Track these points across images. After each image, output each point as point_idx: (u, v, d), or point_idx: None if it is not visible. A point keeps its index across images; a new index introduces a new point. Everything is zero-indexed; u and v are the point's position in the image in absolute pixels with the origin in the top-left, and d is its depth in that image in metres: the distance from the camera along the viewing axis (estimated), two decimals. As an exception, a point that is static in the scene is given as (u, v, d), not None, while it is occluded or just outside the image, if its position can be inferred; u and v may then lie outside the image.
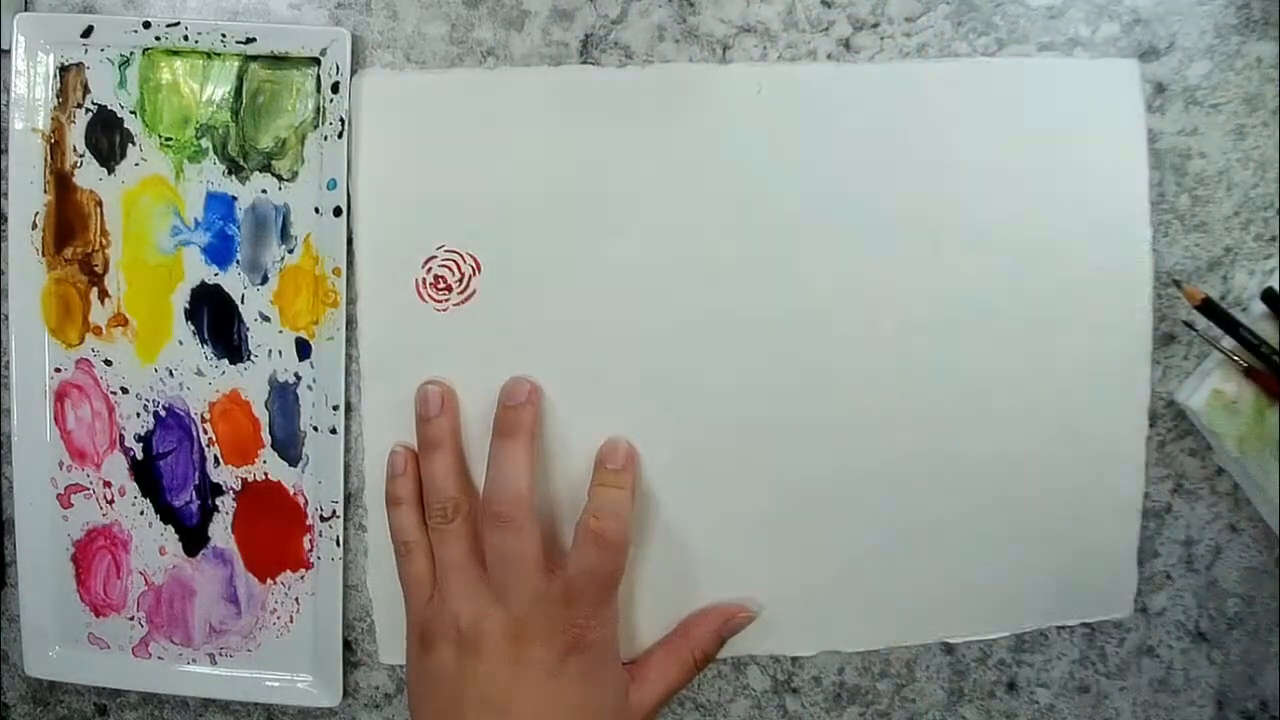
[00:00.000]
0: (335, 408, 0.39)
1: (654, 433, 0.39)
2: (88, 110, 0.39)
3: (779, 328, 0.39)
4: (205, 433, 0.40)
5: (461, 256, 0.39)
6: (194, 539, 0.41)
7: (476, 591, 0.36)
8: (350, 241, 0.39)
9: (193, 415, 0.40)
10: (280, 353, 0.39)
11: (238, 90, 0.38)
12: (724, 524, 0.40)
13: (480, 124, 0.38)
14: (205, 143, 0.38)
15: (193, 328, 0.39)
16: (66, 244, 0.39)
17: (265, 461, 0.40)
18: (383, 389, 0.39)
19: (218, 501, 0.40)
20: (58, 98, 0.39)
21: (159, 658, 0.41)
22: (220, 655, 0.41)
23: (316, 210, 0.38)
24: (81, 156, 0.39)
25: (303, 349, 0.39)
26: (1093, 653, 0.42)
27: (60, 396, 0.40)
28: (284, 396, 0.40)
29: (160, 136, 0.39)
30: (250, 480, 0.40)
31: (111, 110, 0.39)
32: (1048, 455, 0.40)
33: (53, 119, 0.39)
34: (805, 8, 0.38)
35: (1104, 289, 0.39)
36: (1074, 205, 0.39)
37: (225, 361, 0.40)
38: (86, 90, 0.39)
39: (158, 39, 0.38)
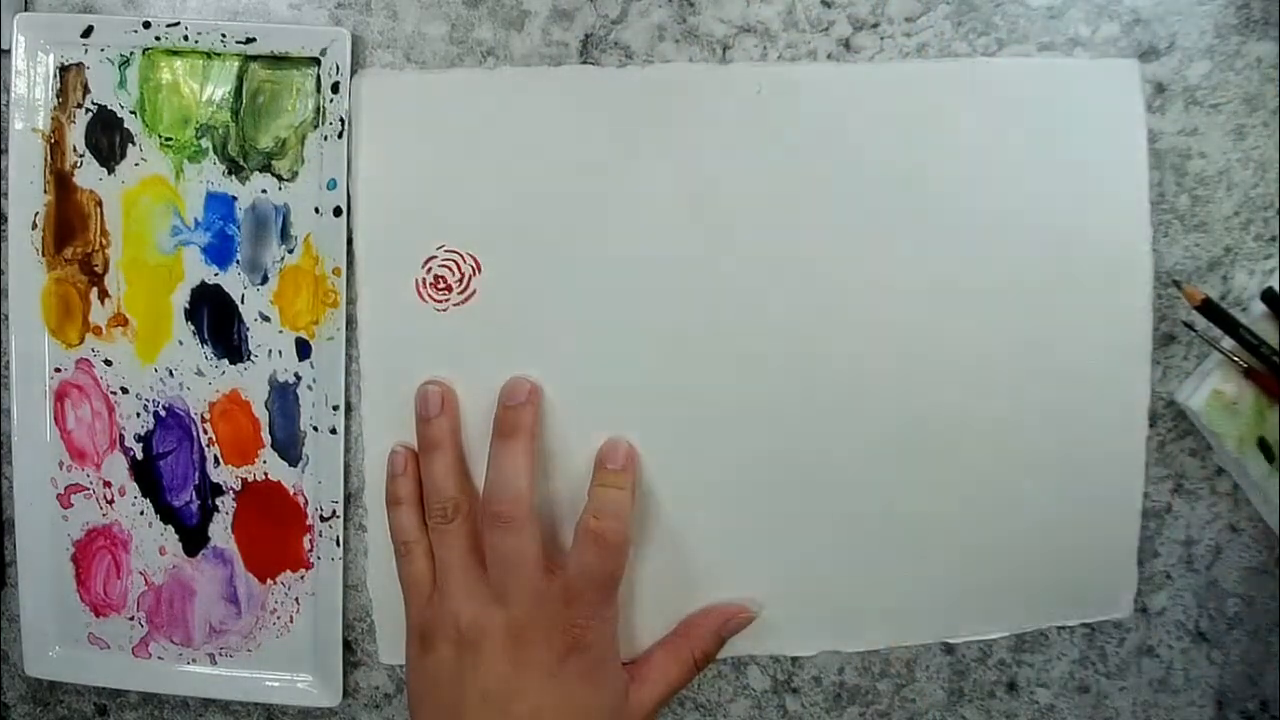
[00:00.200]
0: (335, 408, 0.39)
1: (654, 432, 0.39)
2: (88, 110, 0.39)
3: (779, 328, 0.39)
4: (205, 433, 0.40)
5: (461, 256, 0.39)
6: (194, 539, 0.41)
7: (476, 591, 0.36)
8: (350, 241, 0.39)
9: (193, 415, 0.40)
10: (280, 353, 0.39)
11: (238, 90, 0.38)
12: (724, 524, 0.40)
13: (480, 124, 0.38)
14: (205, 143, 0.38)
15: (193, 328, 0.39)
16: (66, 244, 0.39)
17: (265, 461, 0.40)
18: (383, 389, 0.39)
19: (218, 501, 0.40)
20: (58, 98, 0.39)
21: (159, 658, 0.41)
22: (220, 655, 0.41)
23: (316, 210, 0.38)
24: (81, 156, 0.39)
25: (303, 349, 0.39)
26: (1093, 653, 0.42)
27: (60, 396, 0.40)
28: (284, 396, 0.40)
29: (160, 136, 0.39)
30: (250, 480, 0.40)
31: (111, 110, 0.39)
32: (1048, 455, 0.40)
33: (53, 119, 0.39)
34: (805, 8, 0.38)
35: (1104, 289, 0.39)
36: (1074, 205, 0.39)
37: (225, 361, 0.40)
38: (86, 90, 0.39)
39: (158, 39, 0.38)
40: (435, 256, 0.39)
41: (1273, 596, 0.42)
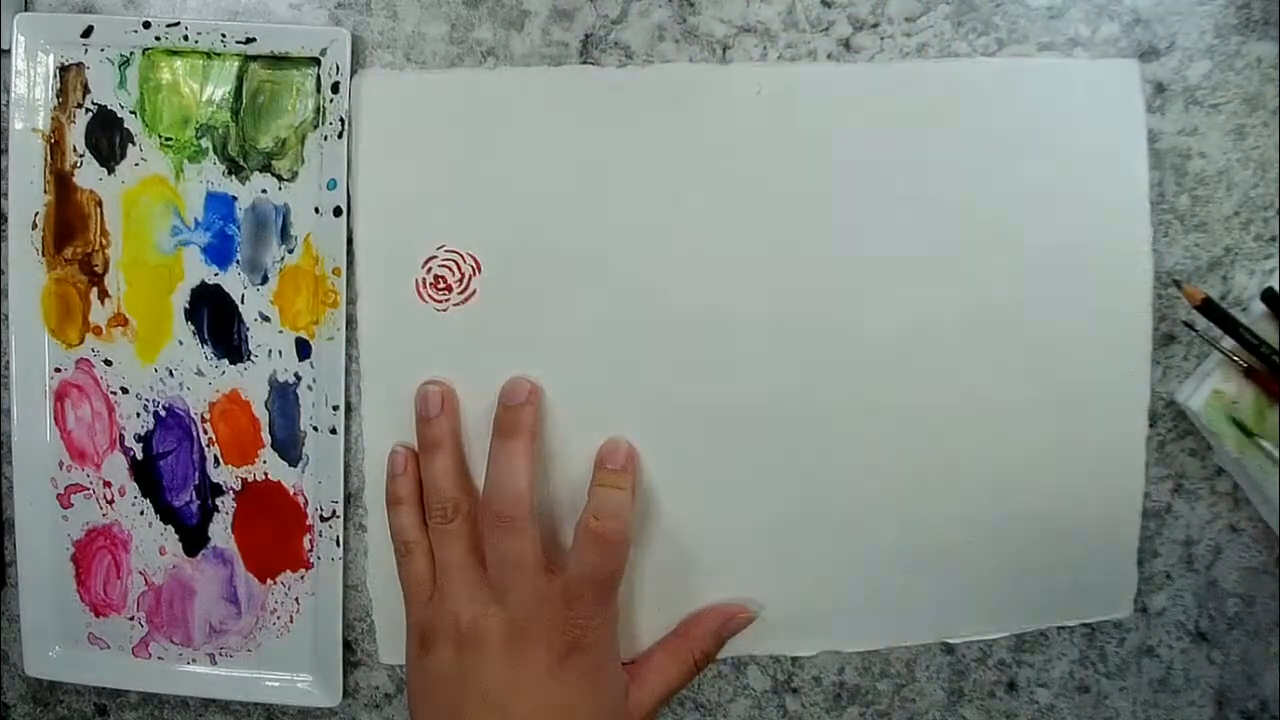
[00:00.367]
0: (335, 408, 0.39)
1: (654, 433, 0.39)
2: (88, 110, 0.39)
3: (779, 328, 0.39)
4: (205, 433, 0.40)
5: (461, 256, 0.39)
6: (194, 539, 0.41)
7: (476, 592, 0.36)
8: (350, 241, 0.39)
9: (193, 415, 0.40)
10: (280, 353, 0.39)
11: (238, 90, 0.38)
12: (724, 524, 0.40)
13: (480, 124, 0.38)
14: (205, 143, 0.38)
15: (193, 328, 0.39)
16: (66, 244, 0.39)
17: (265, 461, 0.40)
18: (383, 389, 0.39)
19: (218, 501, 0.40)
20: (58, 98, 0.39)
21: (159, 658, 0.41)
22: (220, 655, 0.41)
23: (316, 210, 0.38)
24: (81, 156, 0.39)
25: (303, 349, 0.39)
26: (1093, 653, 0.42)
27: (60, 396, 0.40)
28: (284, 396, 0.40)
29: (160, 136, 0.39)
30: (250, 480, 0.40)
31: (111, 110, 0.39)
32: (1048, 455, 0.40)
33: (53, 119, 0.39)
34: (805, 8, 0.38)
35: (1104, 289, 0.39)
36: (1074, 205, 0.39)
37: (225, 361, 0.40)
38: (86, 90, 0.39)
39: (158, 39, 0.38)
40: (435, 256, 0.39)
41: (1273, 596, 0.42)
